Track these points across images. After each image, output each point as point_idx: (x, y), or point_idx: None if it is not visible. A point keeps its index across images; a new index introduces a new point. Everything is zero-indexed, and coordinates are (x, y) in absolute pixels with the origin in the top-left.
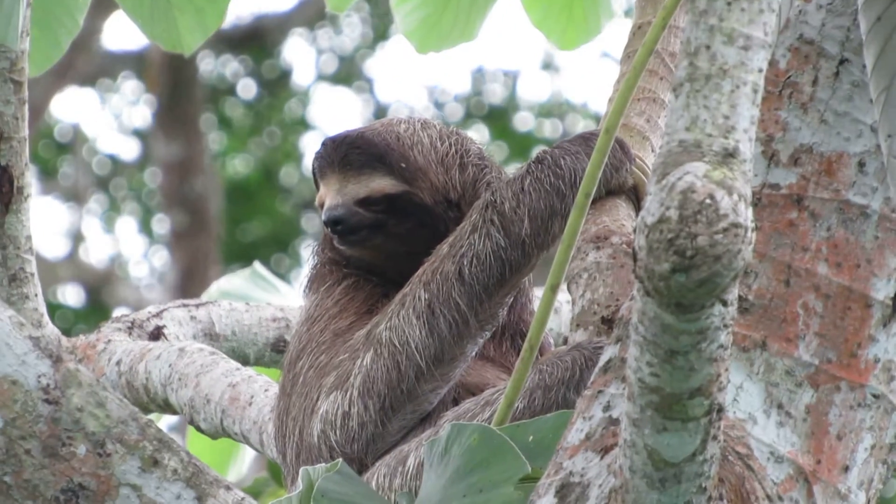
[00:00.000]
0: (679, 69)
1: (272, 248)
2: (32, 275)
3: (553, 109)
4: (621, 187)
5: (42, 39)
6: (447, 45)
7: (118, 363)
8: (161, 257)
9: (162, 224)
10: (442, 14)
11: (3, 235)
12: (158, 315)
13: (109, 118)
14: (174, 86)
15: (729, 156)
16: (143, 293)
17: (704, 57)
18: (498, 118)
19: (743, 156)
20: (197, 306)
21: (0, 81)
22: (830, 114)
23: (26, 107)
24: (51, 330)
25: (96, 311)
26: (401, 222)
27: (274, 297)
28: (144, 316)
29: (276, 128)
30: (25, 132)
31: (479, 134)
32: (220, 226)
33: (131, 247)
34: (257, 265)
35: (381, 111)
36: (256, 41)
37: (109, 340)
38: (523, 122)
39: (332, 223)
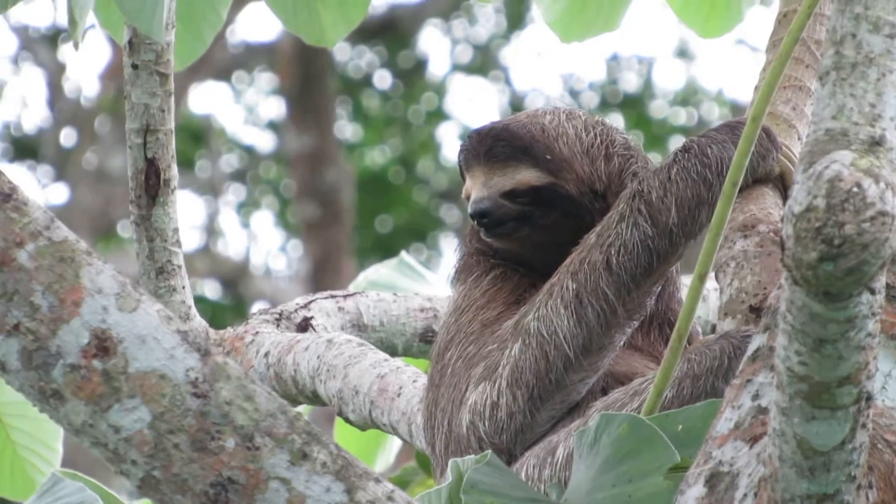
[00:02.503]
0: (825, 57)
1: (410, 239)
2: (180, 267)
3: (688, 97)
4: (768, 176)
5: (186, 33)
6: (591, 35)
7: (266, 355)
8: (298, 249)
9: (296, 216)
10: (586, 3)
11: (151, 228)
12: (306, 306)
13: (243, 111)
14: (306, 77)
15: (876, 144)
16: (279, 285)
17: (850, 45)
18: (633, 106)
19: (890, 144)
20: (345, 297)
21: (146, 74)
22: None
23: (172, 99)
24: (199, 323)
25: (234, 304)
26: (547, 214)
27: (421, 286)
28: (292, 307)
29: (413, 118)
30: (171, 125)
31: (615, 122)
32: (353, 217)
33: (268, 239)
34: (405, 255)
35: (516, 100)
36: (391, 32)
37: (257, 332)
38: (659, 110)
39: (479, 216)
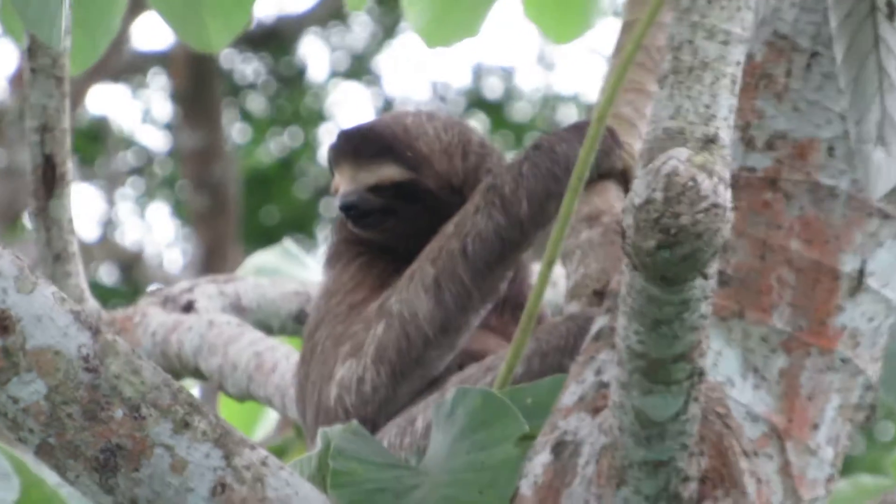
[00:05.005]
0: (664, 62)
1: (292, 230)
2: (74, 254)
3: (546, 101)
4: (611, 171)
5: (82, 40)
6: (454, 41)
7: (153, 334)
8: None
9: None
10: (449, 12)
11: (48, 218)
12: (190, 290)
13: (140, 112)
14: (196, 81)
15: (709, 142)
16: (170, 271)
17: (687, 51)
18: (495, 109)
19: (722, 142)
20: (225, 282)
21: (43, 77)
22: (802, 102)
23: (67, 101)
24: (91, 304)
25: (129, 288)
26: (408, 206)
27: (302, 271)
28: (177, 291)
29: (294, 120)
30: (66, 124)
31: (479, 124)
32: (239, 210)
33: (163, 230)
34: (287, 242)
35: (388, 104)
36: (274, 40)
37: (145, 314)
38: (520, 112)
39: (346, 208)
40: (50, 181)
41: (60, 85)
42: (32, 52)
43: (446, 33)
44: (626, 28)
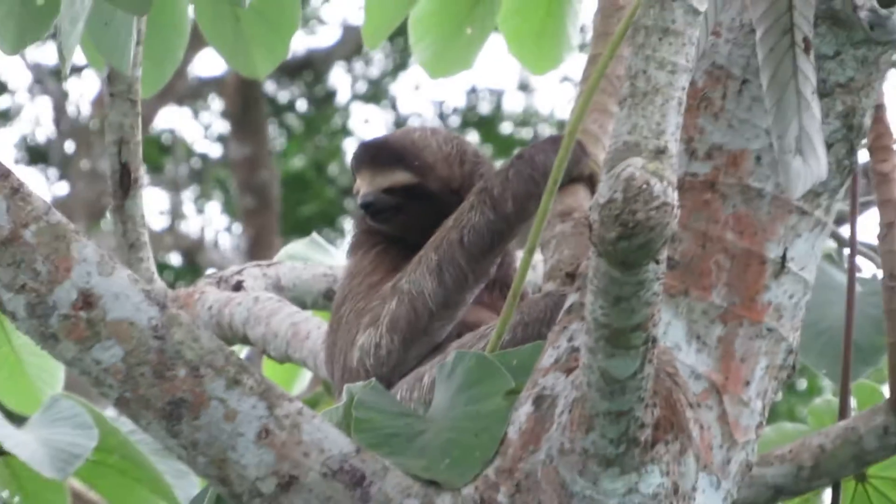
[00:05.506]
0: (623, 88)
1: (323, 224)
2: (145, 244)
3: (527, 119)
4: (580, 176)
5: (151, 69)
6: (452, 72)
7: (209, 308)
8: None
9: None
10: (448, 49)
11: (124, 214)
12: (239, 273)
13: (199, 128)
14: (245, 103)
15: (661, 152)
16: (225, 256)
17: (642, 79)
18: (486, 126)
19: (671, 152)
20: (268, 266)
21: (120, 100)
22: (735, 120)
23: (139, 119)
24: (159, 285)
25: (192, 270)
26: (416, 205)
27: (325, 257)
28: (229, 273)
29: (324, 134)
30: (139, 137)
31: (472, 138)
32: (279, 207)
33: (217, 224)
34: (315, 235)
35: (400, 122)
36: (308, 69)
37: (203, 292)
38: (505, 128)
39: (365, 206)
40: (126, 184)
41: (134, 106)
42: (111, 79)
43: (446, 66)
44: (592, 60)
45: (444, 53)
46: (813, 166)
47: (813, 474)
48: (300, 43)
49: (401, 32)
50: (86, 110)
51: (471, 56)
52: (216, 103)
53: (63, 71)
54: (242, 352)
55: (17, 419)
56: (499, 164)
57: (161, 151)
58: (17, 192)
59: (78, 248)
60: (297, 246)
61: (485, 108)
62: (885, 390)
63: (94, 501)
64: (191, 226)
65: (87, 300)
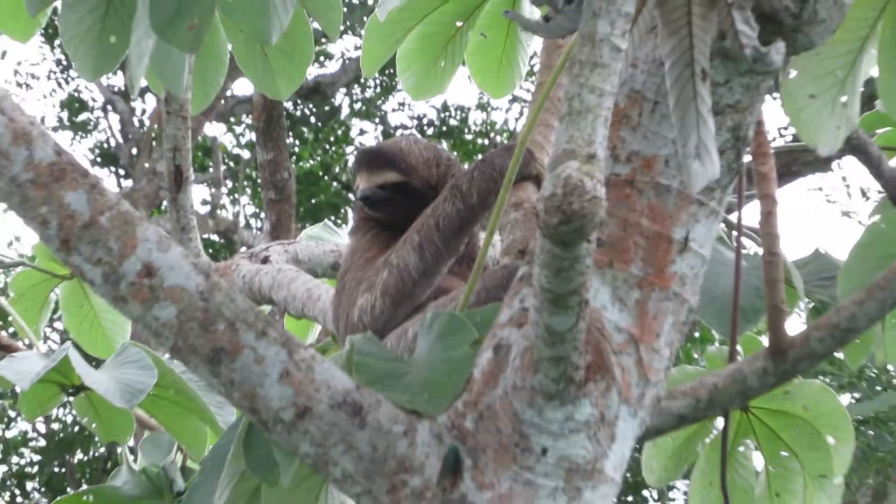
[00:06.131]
0: (562, 107)
1: (329, 213)
2: (194, 227)
3: (486, 131)
4: (529, 176)
5: (198, 92)
6: (430, 95)
7: (243, 277)
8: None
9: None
10: (427, 77)
11: (177, 204)
12: (266, 249)
13: (234, 137)
14: (269, 117)
15: (591, 157)
16: (255, 236)
17: (577, 101)
18: (455, 136)
19: (599, 158)
20: (288, 244)
21: (174, 117)
22: (649, 132)
23: (189, 131)
24: (204, 259)
25: (229, 246)
26: (403, 198)
27: (336, 238)
28: (258, 250)
29: (329, 142)
30: (189, 146)
31: (445, 146)
32: (295, 199)
33: (248, 211)
34: (327, 222)
35: (388, 133)
36: (318, 93)
37: (238, 264)
38: (469, 138)
39: (364, 199)
40: (178, 182)
41: (185, 121)
42: (167, 100)
43: (425, 91)
44: (539, 87)
45: (424, 81)
46: (708, 168)
47: (708, 406)
48: (312, 72)
49: (390, 65)
50: (146, 124)
51: (444, 83)
52: (247, 118)
53: (131, 94)
54: (268, 310)
55: (95, 362)
56: (466, 166)
57: (205, 156)
58: (94, 187)
59: (142, 231)
60: (314, 229)
61: (454, 122)
62: (765, 341)
63: (155, 426)
64: (227, 213)
65: (148, 271)
